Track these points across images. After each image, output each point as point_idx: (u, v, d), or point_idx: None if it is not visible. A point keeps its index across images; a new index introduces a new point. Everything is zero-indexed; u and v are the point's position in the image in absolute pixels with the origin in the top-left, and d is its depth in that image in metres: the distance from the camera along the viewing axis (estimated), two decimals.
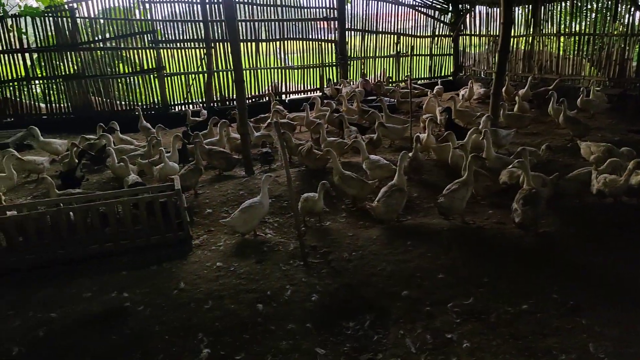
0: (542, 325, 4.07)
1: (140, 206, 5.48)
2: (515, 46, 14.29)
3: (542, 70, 13.85)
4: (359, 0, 15.47)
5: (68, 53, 12.59)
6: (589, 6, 13.01)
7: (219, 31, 13.75)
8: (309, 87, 15.55)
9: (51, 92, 12.77)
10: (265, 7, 14.38)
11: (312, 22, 15.41)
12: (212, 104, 13.71)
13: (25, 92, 12.70)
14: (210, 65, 13.72)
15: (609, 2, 12.24)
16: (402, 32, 16.55)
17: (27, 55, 12.42)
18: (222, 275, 4.86)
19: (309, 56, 15.41)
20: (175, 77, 13.78)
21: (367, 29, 15.90)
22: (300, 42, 15.21)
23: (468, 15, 16.35)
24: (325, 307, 4.50)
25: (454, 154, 7.15)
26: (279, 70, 15.07)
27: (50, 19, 12.17)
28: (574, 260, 4.95)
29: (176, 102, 13.90)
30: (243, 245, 5.50)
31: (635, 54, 11.97)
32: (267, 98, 13.79)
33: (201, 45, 13.70)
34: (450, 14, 16.82)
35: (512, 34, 12.14)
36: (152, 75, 13.42)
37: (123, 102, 13.57)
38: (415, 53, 16.46)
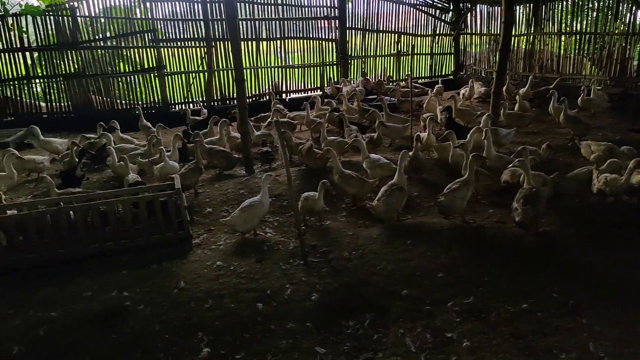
0: (542, 325, 4.07)
1: (141, 205, 5.48)
2: (516, 45, 14.26)
3: (543, 69, 13.83)
4: None
5: (69, 52, 12.58)
6: (590, 5, 12.98)
7: (220, 30, 13.75)
8: (309, 86, 15.53)
9: (52, 91, 12.77)
10: (266, 6, 14.37)
11: (313, 21, 15.39)
12: (212, 103, 13.70)
13: (26, 91, 12.69)
14: (211, 64, 13.71)
15: (610, 1, 12.20)
16: (402, 31, 16.52)
17: (27, 54, 12.41)
18: (222, 274, 4.86)
19: (310, 55, 15.40)
20: (176, 76, 13.77)
21: (367, 27, 15.88)
22: (301, 41, 15.19)
23: (469, 14, 16.32)
24: (325, 306, 4.50)
25: (454, 153, 7.15)
26: (280, 69, 15.07)
27: (51, 17, 12.17)
28: (574, 260, 4.94)
29: (176, 101, 13.89)
30: (243, 245, 5.50)
31: (636, 53, 11.94)
32: (267, 97, 13.78)
33: (202, 44, 13.68)
34: (451, 12, 16.79)
35: (513, 33, 12.09)
36: (152, 74, 13.42)
37: (123, 101, 13.57)
38: (415, 52, 16.44)
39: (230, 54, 13.08)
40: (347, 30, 15.41)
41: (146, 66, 13.36)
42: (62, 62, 12.62)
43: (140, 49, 13.23)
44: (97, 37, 12.83)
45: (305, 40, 15.22)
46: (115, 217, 5.46)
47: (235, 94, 12.50)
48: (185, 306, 4.41)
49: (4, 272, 5.10)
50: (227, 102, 14.10)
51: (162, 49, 13.35)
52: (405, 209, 6.21)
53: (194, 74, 13.91)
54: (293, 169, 7.49)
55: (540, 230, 5.44)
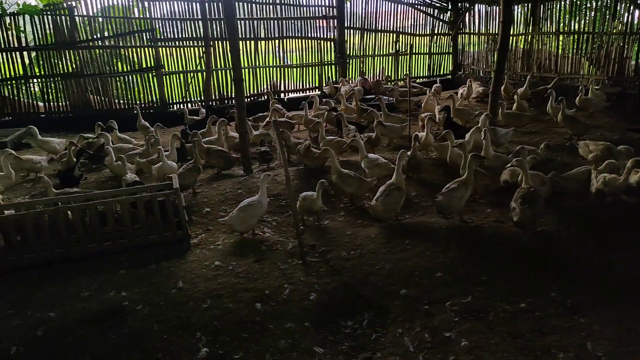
0: (540, 324, 4.08)
1: (139, 205, 5.48)
2: (514, 45, 14.28)
3: (541, 68, 13.85)
4: None
5: (66, 51, 12.55)
6: (588, 5, 13.01)
7: (218, 29, 13.73)
8: (307, 86, 15.53)
9: (49, 90, 12.74)
10: (264, 6, 14.35)
11: (311, 21, 15.38)
12: (210, 103, 13.68)
13: (24, 91, 12.65)
14: (209, 63, 13.69)
15: (608, 1, 12.24)
16: (401, 30, 16.52)
17: (25, 53, 12.36)
18: (220, 274, 4.85)
19: (308, 55, 15.40)
20: (174, 75, 13.75)
21: (366, 27, 15.87)
22: (299, 40, 15.18)
23: (467, 14, 16.34)
24: (324, 306, 4.50)
25: (452, 152, 7.16)
26: (278, 68, 15.06)
27: (49, 17, 12.13)
28: (573, 260, 4.96)
29: (175, 101, 13.88)
30: (241, 244, 5.50)
31: (634, 52, 11.96)
32: (265, 96, 13.77)
33: (200, 44, 13.66)
34: (449, 12, 16.80)
35: (511, 33, 12.12)
36: (150, 74, 13.39)
37: (121, 101, 13.54)
38: (414, 51, 16.45)
39: (229, 53, 13.14)
40: (346, 30, 15.40)
41: (144, 66, 13.34)
42: (60, 62, 12.60)
43: (138, 49, 13.20)
44: (95, 37, 12.80)
45: (303, 40, 15.21)
46: (113, 217, 5.46)
47: (233, 94, 12.48)
48: (184, 306, 4.40)
49: (2, 272, 5.09)
50: (226, 101, 14.08)
51: (160, 49, 13.33)
52: (404, 208, 6.22)
53: (192, 74, 13.90)
54: (291, 169, 7.50)
55: (539, 229, 5.44)
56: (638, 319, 4.05)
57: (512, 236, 5.36)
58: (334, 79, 15.02)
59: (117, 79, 13.34)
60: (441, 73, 17.26)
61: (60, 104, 12.91)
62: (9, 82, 12.31)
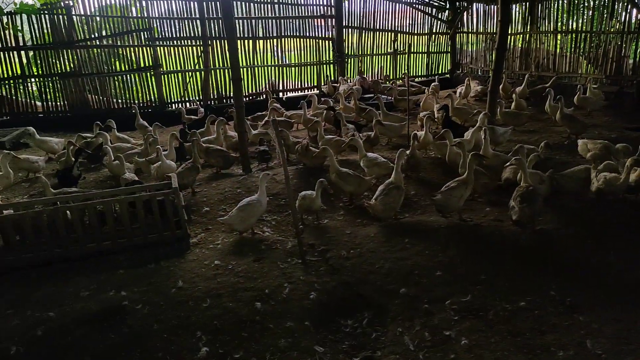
0: (540, 322, 4.09)
1: (138, 205, 5.47)
2: (512, 44, 14.30)
3: (539, 67, 13.87)
4: None
5: (64, 51, 12.52)
6: (586, 3, 13.03)
7: (216, 29, 13.72)
8: (306, 85, 15.53)
9: (47, 90, 12.71)
10: (262, 5, 14.34)
11: (310, 20, 15.37)
12: (209, 102, 13.67)
13: (21, 90, 12.63)
14: (207, 63, 13.67)
15: (606, 0, 12.25)
16: (399, 29, 16.53)
17: (23, 52, 12.33)
18: (220, 273, 4.85)
19: (306, 54, 15.39)
20: (172, 75, 13.74)
21: (364, 26, 15.87)
22: (298, 39, 15.18)
23: (465, 13, 16.34)
24: (324, 305, 4.50)
25: (451, 151, 7.16)
26: (276, 67, 15.05)
27: (46, 16, 12.11)
28: (572, 259, 4.97)
29: (173, 100, 13.87)
30: (241, 244, 5.49)
31: (632, 51, 11.99)
32: (264, 96, 13.77)
33: (198, 43, 13.65)
34: (447, 11, 16.81)
35: (509, 32, 12.13)
36: (148, 73, 13.38)
37: (120, 100, 13.53)
38: (412, 51, 16.45)
39: (227, 52, 13.13)
40: (344, 29, 15.39)
41: (142, 65, 13.32)
42: (57, 61, 12.57)
43: (136, 48, 13.18)
44: (92, 36, 12.78)
45: (301, 39, 15.21)
46: (112, 216, 5.45)
47: (232, 93, 12.49)
48: (184, 305, 4.40)
49: (1, 272, 5.08)
50: (224, 101, 14.08)
51: (158, 48, 13.31)
52: (403, 207, 6.22)
53: (190, 73, 13.88)
54: (290, 168, 7.50)
55: (537, 228, 5.45)
56: (637, 318, 4.07)
57: (511, 235, 5.36)
58: (332, 78, 15.01)
59: (115, 78, 13.32)
60: (440, 72, 17.27)
61: (58, 103, 12.89)
62: (6, 82, 12.28)
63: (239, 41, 12.93)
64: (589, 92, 10.60)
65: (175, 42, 13.58)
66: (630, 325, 3.97)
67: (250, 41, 14.41)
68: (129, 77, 13.52)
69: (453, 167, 6.98)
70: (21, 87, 12.58)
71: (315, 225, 5.99)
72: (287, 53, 15.46)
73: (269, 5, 14.46)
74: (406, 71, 15.84)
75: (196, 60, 13.81)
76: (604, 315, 4.11)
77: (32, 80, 12.77)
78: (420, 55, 17.09)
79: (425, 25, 16.86)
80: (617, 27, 12.07)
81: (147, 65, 13.32)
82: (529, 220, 5.31)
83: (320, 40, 15.41)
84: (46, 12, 12.06)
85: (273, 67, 15.01)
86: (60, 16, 12.23)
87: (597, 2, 12.55)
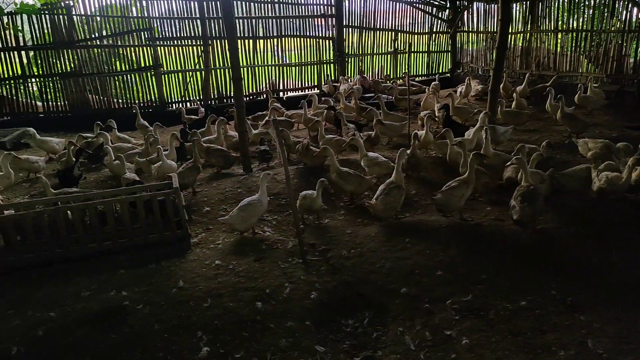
0: (540, 322, 4.08)
1: (139, 204, 5.47)
2: (512, 43, 14.29)
3: (540, 66, 13.86)
4: None
5: (65, 51, 12.53)
6: (587, 2, 13.01)
7: (217, 28, 13.72)
8: (306, 85, 15.53)
9: (48, 90, 12.72)
10: (262, 4, 14.34)
11: (310, 19, 15.37)
12: (209, 102, 13.67)
13: (22, 90, 12.64)
14: (208, 62, 13.67)
15: None
16: (399, 29, 16.51)
17: (23, 53, 12.34)
18: (220, 273, 4.85)
19: (307, 53, 15.39)
20: (173, 74, 13.74)
21: (364, 25, 15.87)
22: (298, 39, 15.18)
23: (466, 12, 16.33)
24: (324, 304, 4.50)
25: (452, 150, 7.16)
26: (277, 67, 15.05)
27: (47, 16, 12.11)
28: (573, 258, 4.96)
29: (173, 100, 13.87)
30: (242, 243, 5.49)
31: (632, 50, 11.97)
32: (264, 95, 13.77)
33: (198, 43, 13.65)
34: (447, 10, 16.79)
35: (510, 31, 12.13)
36: (149, 73, 13.38)
37: (120, 100, 13.54)
38: (412, 50, 16.44)
39: (227, 52, 13.13)
40: (344, 28, 15.39)
41: (143, 65, 13.33)
42: (58, 61, 12.57)
43: (137, 48, 13.19)
44: (93, 36, 12.78)
45: (302, 39, 15.21)
46: (113, 216, 5.45)
47: (232, 93, 12.48)
48: (184, 305, 4.40)
49: (2, 272, 5.08)
50: (225, 100, 14.08)
51: (158, 48, 13.32)
52: (404, 206, 6.22)
53: (191, 73, 13.88)
54: (291, 168, 7.50)
55: (538, 228, 5.45)
56: (638, 318, 4.06)
57: (512, 234, 5.36)
58: (332, 78, 15.01)
59: (116, 78, 13.33)
60: (440, 71, 17.25)
61: (59, 103, 12.89)
62: (7, 82, 12.29)
63: (239, 41, 12.94)
64: (590, 91, 10.59)
65: (175, 41, 13.58)
66: (631, 324, 3.97)
67: (251, 41, 14.40)
68: (129, 77, 13.52)
69: (454, 167, 6.98)
70: (22, 87, 12.59)
71: (316, 225, 5.99)
72: (287, 52, 15.45)
73: (269, 5, 14.46)
74: (407, 70, 15.84)
75: (196, 60, 13.81)
76: (605, 315, 4.11)
77: (33, 80, 12.77)
78: (421, 54, 17.08)
79: (425, 25, 16.85)
80: (618, 26, 12.05)
81: (147, 65, 13.32)
82: (529, 219, 5.30)
83: (320, 40, 15.41)
84: (46, 12, 12.06)
85: (273, 67, 15.01)
86: (61, 16, 12.24)
87: (597, 1, 12.53)
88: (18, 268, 5.13)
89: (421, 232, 5.48)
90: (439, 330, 4.07)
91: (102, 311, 4.35)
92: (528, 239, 5.26)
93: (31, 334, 4.12)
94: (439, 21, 16.91)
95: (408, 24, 16.71)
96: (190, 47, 13.74)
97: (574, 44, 13.09)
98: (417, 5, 16.41)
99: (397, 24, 16.50)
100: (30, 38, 12.37)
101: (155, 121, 9.68)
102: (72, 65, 12.71)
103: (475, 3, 15.85)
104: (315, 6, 15.18)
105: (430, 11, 16.66)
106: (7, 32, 11.92)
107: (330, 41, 15.53)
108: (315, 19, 15.54)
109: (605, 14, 12.25)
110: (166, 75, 13.60)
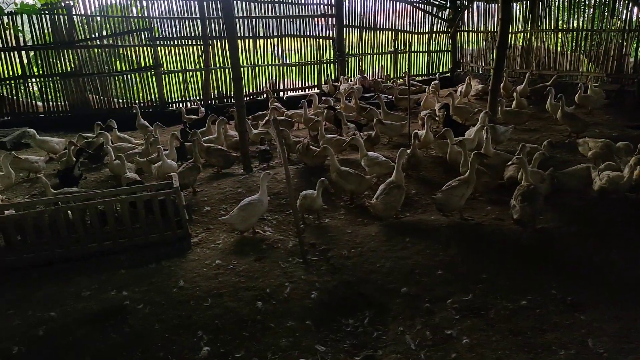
0: (541, 321, 4.08)
1: (139, 204, 5.47)
2: (512, 42, 14.28)
3: (540, 66, 13.85)
4: None
5: (65, 51, 12.53)
6: (587, 2, 13.00)
7: (217, 28, 13.72)
8: (306, 84, 15.52)
9: (48, 90, 12.72)
10: (262, 4, 14.34)
11: (310, 19, 15.37)
12: (210, 102, 13.66)
13: (22, 90, 12.63)
14: (208, 62, 13.67)
15: None
16: (399, 28, 16.51)
17: (23, 53, 12.34)
18: (221, 273, 4.86)
19: (307, 53, 15.39)
20: (173, 74, 13.74)
21: (364, 25, 15.86)
22: (298, 38, 15.17)
23: (466, 11, 16.32)
24: (325, 304, 4.50)
25: (452, 150, 7.16)
26: (277, 67, 15.05)
27: (47, 16, 12.10)
28: (573, 258, 4.96)
29: (174, 100, 13.87)
30: (242, 243, 5.49)
31: (633, 49, 11.96)
32: (265, 95, 13.77)
33: (199, 43, 13.65)
34: (448, 10, 16.78)
35: (510, 30, 12.12)
36: (149, 73, 13.38)
37: (120, 100, 13.53)
38: (413, 49, 16.44)
39: (227, 52, 13.13)
40: (344, 28, 15.39)
41: (143, 65, 13.33)
42: (58, 61, 12.57)
43: (137, 48, 13.18)
44: (93, 36, 12.78)
45: (302, 38, 15.20)
46: (113, 216, 5.45)
47: (232, 92, 12.47)
48: (185, 305, 4.40)
49: (2, 271, 5.08)
50: (225, 100, 14.07)
51: (158, 48, 13.31)
52: (404, 206, 6.22)
53: (191, 73, 13.89)
54: (291, 167, 7.49)
55: (538, 227, 5.45)
56: (639, 317, 4.06)
57: (512, 234, 5.36)
58: (333, 78, 15.00)
59: (116, 78, 13.32)
60: (440, 71, 17.25)
61: (59, 103, 12.89)
62: (7, 82, 12.29)
63: (239, 40, 12.93)
64: (590, 91, 10.58)
65: (175, 41, 13.57)
66: (632, 323, 3.97)
67: (251, 40, 14.40)
68: (129, 77, 13.52)
69: (454, 166, 6.98)
70: (22, 87, 12.58)
71: (316, 225, 5.99)
72: (287, 52, 15.45)
73: (270, 5, 14.45)
74: (407, 70, 15.84)
75: (197, 60, 13.81)
76: (606, 314, 4.11)
77: (33, 80, 12.77)
78: (421, 54, 17.06)
79: (425, 24, 16.84)
80: (618, 25, 12.04)
81: (147, 65, 13.32)
82: (530, 219, 5.30)
83: (320, 40, 15.40)
84: (47, 12, 12.05)
85: (273, 67, 15.01)
86: (61, 16, 12.23)
87: (597, 0, 12.52)
88: (18, 268, 5.13)
89: (421, 232, 5.48)
90: (440, 329, 4.07)
91: (103, 311, 4.35)
92: (528, 239, 5.26)
93: (31, 334, 4.12)
94: (439, 21, 16.90)
95: (408, 23, 16.70)
96: (190, 47, 13.74)
97: (574, 44, 13.08)
98: (417, 4, 16.41)
99: (397, 23, 16.49)
100: (31, 38, 12.36)
101: (156, 121, 9.68)
102: (73, 65, 12.71)
103: (475, 2, 15.85)
104: (315, 6, 15.18)
105: (430, 11, 16.65)
106: (8, 32, 11.91)
107: (331, 41, 15.52)
108: (316, 19, 15.54)
109: (606, 13, 12.24)
110: (166, 75, 13.60)
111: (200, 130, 8.95)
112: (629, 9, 11.79)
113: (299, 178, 7.27)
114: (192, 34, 13.59)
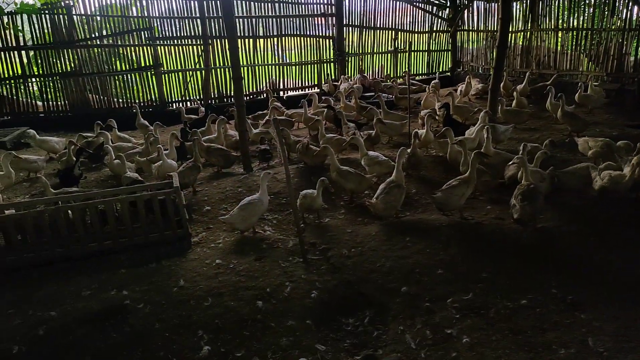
0: (541, 320, 4.08)
1: (139, 204, 5.47)
2: (513, 41, 14.28)
3: (540, 65, 13.84)
4: None
5: (65, 50, 12.52)
6: (587, 1, 13.00)
7: (217, 27, 13.72)
8: (306, 84, 15.52)
9: (48, 89, 12.72)
10: (262, 3, 14.33)
11: (310, 18, 15.36)
12: (210, 101, 13.66)
13: (22, 90, 12.63)
14: (208, 62, 13.67)
15: None
16: (399, 27, 16.50)
17: (23, 52, 12.33)
18: (221, 272, 4.86)
19: (307, 52, 15.38)
20: (173, 74, 13.74)
21: (364, 24, 15.85)
22: (298, 38, 15.17)
23: (466, 11, 16.31)
24: (325, 303, 4.50)
25: (452, 149, 7.16)
26: (277, 66, 15.05)
27: (47, 16, 12.10)
28: (573, 257, 4.96)
29: (174, 100, 13.87)
30: (242, 243, 5.50)
31: (633, 48, 11.96)
32: (265, 95, 13.77)
33: (198, 42, 13.64)
34: (447, 9, 16.77)
35: (510, 29, 12.11)
36: (149, 73, 13.38)
37: (120, 100, 13.53)
38: (413, 49, 16.44)
39: (227, 51, 13.12)
40: (344, 27, 15.38)
41: (143, 64, 13.32)
42: (58, 61, 12.57)
43: (137, 47, 13.18)
44: (93, 36, 12.78)
45: (302, 38, 15.20)
46: (113, 216, 5.45)
47: (232, 92, 12.47)
48: (185, 304, 4.41)
49: (2, 271, 5.08)
50: (225, 100, 14.07)
51: (158, 47, 13.31)
52: (404, 205, 6.22)
53: (191, 72, 13.88)
54: (291, 167, 7.49)
55: (539, 226, 5.45)
56: (637, 316, 4.06)
57: (513, 233, 5.36)
58: (333, 77, 15.00)
59: (116, 77, 13.32)
60: (440, 70, 17.24)
61: (59, 103, 12.89)
62: (7, 82, 12.28)
63: (239, 40, 12.94)
64: (590, 90, 10.57)
65: (175, 41, 13.56)
66: (631, 322, 3.97)
67: (251, 40, 14.40)
68: (129, 77, 13.52)
69: (454, 166, 6.98)
70: (22, 87, 12.58)
71: (317, 224, 5.99)
72: (287, 52, 15.44)
73: (270, 4, 14.44)
74: (407, 69, 15.83)
75: (197, 60, 13.80)
76: (606, 313, 4.11)
77: (33, 80, 12.76)
78: (421, 53, 17.06)
79: (425, 24, 16.83)
80: (618, 24, 12.03)
81: (147, 64, 13.32)
82: (530, 218, 5.30)
83: (320, 39, 15.40)
84: (47, 11, 12.05)
85: (273, 66, 15.00)
86: (61, 16, 12.23)
87: None
88: (19, 267, 5.13)
89: (421, 231, 5.48)
90: (440, 329, 4.07)
91: (103, 310, 4.35)
92: (528, 238, 5.26)
93: (32, 333, 4.12)
94: (439, 20, 16.89)
95: (408, 22, 16.69)
96: (190, 47, 13.73)
97: (574, 43, 13.07)
98: (418, 4, 16.40)
99: (397, 22, 16.48)
100: (31, 38, 12.36)
101: (156, 121, 9.69)
102: (72, 65, 12.71)
103: (475, 2, 15.84)
104: (315, 5, 15.17)
105: (430, 10, 16.64)
106: (7, 31, 11.91)
107: (331, 40, 15.51)
108: (316, 18, 15.53)
109: (606, 12, 12.23)
110: (166, 75, 13.60)
111: (200, 129, 8.95)
112: (629, 8, 11.78)
113: (299, 177, 7.27)
114: (192, 34, 13.59)
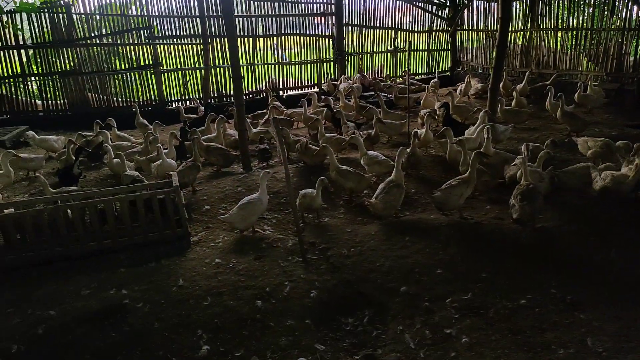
0: (540, 320, 4.08)
1: (139, 203, 5.46)
2: (512, 41, 14.28)
3: (540, 65, 13.85)
4: None
5: (64, 49, 12.51)
6: (587, 1, 13.00)
7: (216, 27, 13.71)
8: (306, 83, 15.52)
9: (47, 88, 12.71)
10: (262, 3, 14.32)
11: (310, 17, 15.36)
12: (209, 100, 13.65)
13: (21, 89, 12.63)
14: (207, 61, 13.66)
15: None
16: (399, 27, 16.50)
17: (22, 51, 12.32)
18: (220, 271, 4.86)
19: (307, 52, 15.38)
20: (172, 73, 13.73)
21: (364, 24, 15.85)
22: (298, 37, 15.16)
23: (465, 10, 16.31)
24: (324, 303, 4.50)
25: (451, 149, 7.16)
26: (276, 66, 15.04)
27: (46, 14, 12.10)
28: (573, 257, 4.96)
29: (173, 99, 13.86)
30: (241, 242, 5.49)
31: (632, 48, 11.96)
32: (264, 94, 13.76)
33: (198, 41, 13.64)
34: (447, 8, 16.78)
35: (510, 29, 12.10)
36: (148, 72, 13.37)
37: (120, 99, 13.53)
38: (412, 48, 16.43)
39: (227, 50, 13.11)
40: (344, 27, 15.38)
41: (142, 63, 13.31)
42: (57, 60, 12.56)
43: (136, 46, 13.17)
44: (92, 34, 12.77)
45: (302, 37, 15.19)
46: (113, 215, 5.45)
47: (232, 91, 12.47)
48: (184, 304, 4.40)
49: (2, 270, 5.08)
50: (224, 99, 14.07)
51: (158, 46, 13.30)
52: (403, 205, 6.22)
53: (190, 71, 13.87)
54: (291, 166, 7.50)
55: (538, 226, 5.45)
56: (637, 316, 4.06)
57: (512, 233, 5.36)
58: (332, 76, 15.00)
59: (115, 76, 13.32)
60: (440, 70, 17.23)
61: (58, 102, 12.88)
62: (6, 81, 12.28)
63: (239, 39, 12.93)
64: (590, 90, 10.58)
65: (175, 40, 13.56)
66: (631, 323, 3.97)
67: (251, 39, 14.39)
68: (129, 76, 13.52)
69: (454, 165, 6.98)
70: (21, 86, 12.58)
71: (316, 224, 5.99)
72: (287, 51, 15.44)
73: (269, 3, 14.44)
74: (406, 69, 15.83)
75: (196, 59, 13.80)
76: (606, 313, 4.11)
77: (32, 78, 12.76)
78: (421, 52, 17.06)
79: (425, 23, 16.83)
80: (618, 24, 12.04)
81: (147, 63, 13.31)
82: (529, 218, 5.30)
83: (320, 38, 15.40)
84: (46, 10, 12.04)
85: (273, 65, 15.00)
86: (60, 15, 12.22)
87: None
88: (18, 266, 5.12)
89: (421, 231, 5.48)
90: (439, 328, 4.07)
91: (102, 310, 4.35)
92: (528, 238, 5.26)
93: (31, 333, 4.12)
94: (439, 19, 16.89)
95: (408, 22, 16.70)
96: (190, 46, 13.73)
97: (574, 42, 13.08)
98: (417, 3, 16.39)
99: (397, 22, 16.48)
100: (30, 36, 12.35)
101: (155, 120, 9.69)
102: (72, 64, 12.70)
103: (475, 1, 15.85)
104: (315, 4, 15.16)
105: (430, 9, 16.64)
106: (7, 30, 11.90)
107: (330, 39, 15.51)
108: (315, 18, 15.53)
109: (605, 12, 12.24)
110: (166, 74, 13.59)
111: (200, 129, 8.96)
112: (629, 7, 11.79)
113: (298, 177, 7.27)
114: (192, 33, 13.58)
